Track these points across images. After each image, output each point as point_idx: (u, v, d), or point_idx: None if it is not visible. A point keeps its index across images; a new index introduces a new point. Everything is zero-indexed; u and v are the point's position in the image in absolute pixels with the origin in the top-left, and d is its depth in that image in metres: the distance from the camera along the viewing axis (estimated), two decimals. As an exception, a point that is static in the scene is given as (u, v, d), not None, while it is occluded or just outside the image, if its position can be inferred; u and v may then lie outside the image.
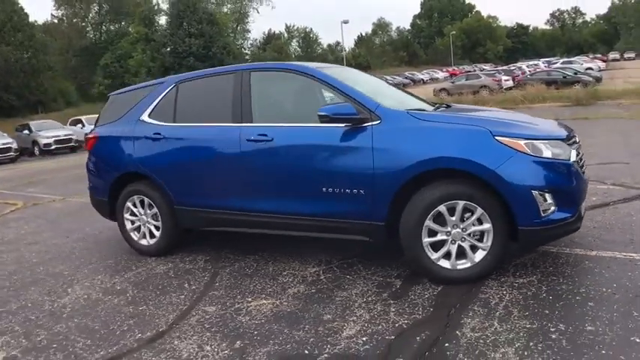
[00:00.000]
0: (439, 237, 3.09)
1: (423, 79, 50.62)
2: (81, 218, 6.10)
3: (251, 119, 3.66)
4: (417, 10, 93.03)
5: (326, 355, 2.43)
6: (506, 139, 2.94)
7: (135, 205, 4.26)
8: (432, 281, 3.15)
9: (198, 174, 3.85)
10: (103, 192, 4.43)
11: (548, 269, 3.18)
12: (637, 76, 23.38)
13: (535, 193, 2.86)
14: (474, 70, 38.09)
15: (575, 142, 3.26)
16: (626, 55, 62.13)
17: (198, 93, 4.08)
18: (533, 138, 2.98)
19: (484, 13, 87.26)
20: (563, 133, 3.22)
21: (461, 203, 3.00)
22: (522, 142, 2.93)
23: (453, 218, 3.04)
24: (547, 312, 2.63)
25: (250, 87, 3.72)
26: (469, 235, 3.05)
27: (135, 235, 4.33)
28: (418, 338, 2.51)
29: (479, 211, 2.99)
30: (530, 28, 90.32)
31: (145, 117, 4.20)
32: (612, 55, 62.41)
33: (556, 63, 36.59)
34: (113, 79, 45.25)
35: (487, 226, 3.00)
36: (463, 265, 3.08)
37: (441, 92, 26.45)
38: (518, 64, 39.54)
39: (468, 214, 3.03)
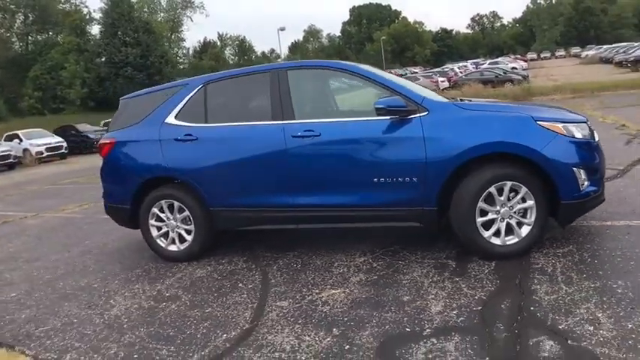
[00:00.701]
0: (490, 216, 3.35)
1: (360, 82, 51.80)
2: (71, 232, 5.75)
3: (293, 116, 3.71)
4: (346, 17, 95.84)
5: (429, 330, 2.58)
6: (547, 123, 3.27)
7: (162, 210, 4.13)
8: (483, 258, 3.40)
9: (240, 173, 3.83)
10: (124, 198, 4.24)
11: (579, 240, 3.55)
12: (557, 74, 25.88)
13: (575, 169, 3.22)
14: (413, 73, 39.84)
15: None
16: (542, 55, 68.48)
17: (229, 93, 4.05)
18: (566, 121, 3.34)
19: (410, 19, 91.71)
20: (583, 117, 3.62)
21: (508, 184, 3.29)
22: (560, 125, 3.28)
23: (502, 198, 3.32)
24: (600, 273, 2.97)
25: (289, 85, 3.77)
26: (515, 212, 3.34)
27: (162, 242, 4.20)
28: (503, 306, 2.74)
29: (523, 189, 3.29)
30: (454, 32, 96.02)
31: (170, 119, 4.09)
32: (530, 55, 68.22)
33: (484, 64, 39.34)
34: (44, 91, 42.01)
35: (530, 202, 3.31)
36: (511, 240, 3.36)
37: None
38: (449, 66, 41.96)
39: (512, 194, 3.32)
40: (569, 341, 2.32)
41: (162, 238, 4.21)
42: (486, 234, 3.35)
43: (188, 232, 4.11)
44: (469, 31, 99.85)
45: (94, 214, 6.71)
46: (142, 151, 4.15)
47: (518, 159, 3.26)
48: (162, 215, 4.15)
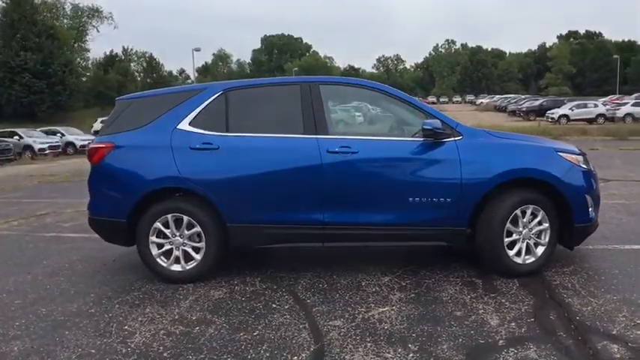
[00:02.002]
0: (514, 237, 3.62)
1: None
2: (15, 253, 4.88)
3: (327, 131, 3.68)
4: (257, 44, 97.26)
5: (502, 342, 2.68)
6: (565, 154, 3.70)
7: (166, 226, 3.73)
8: (504, 276, 3.64)
9: (266, 187, 3.64)
10: (120, 211, 3.74)
11: (575, 261, 3.98)
12: (461, 117, 28.82)
13: (586, 196, 3.65)
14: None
15: None
16: (440, 99, 76.40)
17: (254, 102, 3.88)
18: (577, 154, 3.80)
19: (321, 54, 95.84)
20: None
21: (530, 207, 3.62)
22: (575, 156, 3.72)
23: (525, 220, 3.62)
24: (614, 288, 3.38)
25: (322, 99, 3.75)
26: (533, 234, 3.66)
27: (162, 261, 3.77)
28: (552, 317, 2.96)
29: (541, 213, 3.64)
30: (360, 70, 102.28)
31: (184, 126, 3.78)
32: (430, 98, 75.34)
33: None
34: None
35: (546, 225, 3.66)
36: (529, 259, 3.67)
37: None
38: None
39: (531, 217, 3.65)
40: (629, 344, 2.59)
41: (162, 257, 3.78)
42: (511, 253, 3.61)
43: (196, 250, 3.76)
44: (374, 70, 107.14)
45: (30, 232, 5.78)
46: (148, 159, 3.75)
47: (541, 185, 3.61)
48: (166, 231, 3.74)
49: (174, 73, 71.52)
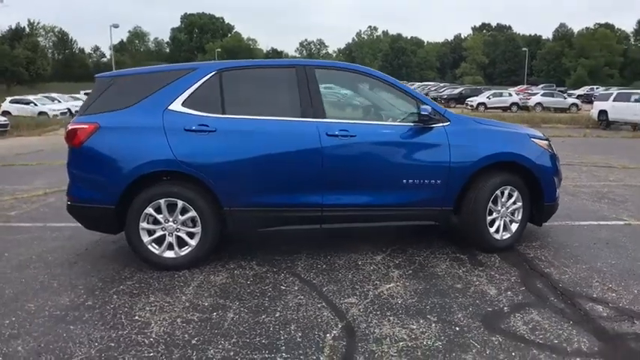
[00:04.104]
0: (494, 215, 3.96)
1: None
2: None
3: (324, 115, 3.72)
4: (176, 23, 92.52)
5: (507, 308, 2.98)
6: (537, 140, 4.09)
7: (159, 211, 3.57)
8: (485, 251, 3.98)
9: (266, 170, 3.61)
10: (108, 197, 3.51)
11: (539, 237, 4.44)
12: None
13: (554, 178, 4.09)
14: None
15: None
16: None
17: (249, 84, 3.79)
18: (544, 139, 4.21)
19: (244, 35, 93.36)
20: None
21: (508, 188, 3.97)
22: (544, 142, 4.13)
23: (503, 200, 3.97)
24: (579, 258, 3.85)
25: (317, 83, 3.77)
26: (509, 212, 4.03)
27: (154, 248, 3.61)
28: (539, 286, 3.32)
29: (516, 193, 4.01)
30: (283, 53, 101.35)
31: (176, 106, 3.60)
32: None
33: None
34: None
35: (519, 204, 4.05)
36: (506, 236, 4.04)
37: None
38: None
39: (507, 197, 4.01)
40: (610, 304, 3.01)
41: (153, 244, 3.62)
42: (492, 230, 3.95)
43: (190, 235, 3.64)
44: (297, 54, 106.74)
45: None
46: (139, 141, 3.52)
47: (518, 168, 3.97)
48: (158, 217, 3.58)
49: (89, 50, 65.73)
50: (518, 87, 44.42)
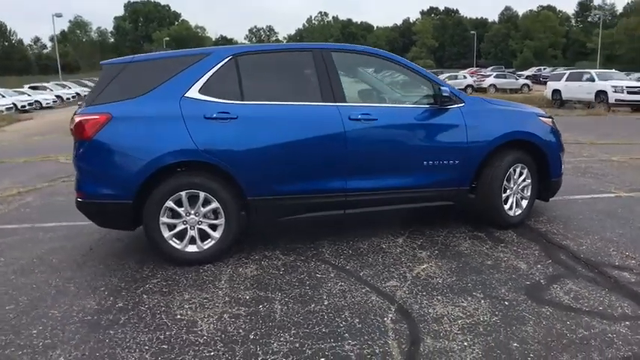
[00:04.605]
0: (507, 192, 4.08)
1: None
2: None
3: (344, 99, 3.66)
4: (120, 11, 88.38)
5: (543, 280, 3.09)
6: (543, 118, 4.22)
7: (179, 204, 3.40)
8: (499, 228, 4.10)
9: (290, 157, 3.51)
10: (125, 192, 3.29)
11: (544, 212, 4.63)
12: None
13: (560, 154, 4.25)
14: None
15: None
16: None
17: (266, 69, 3.66)
18: (548, 117, 4.36)
19: (192, 23, 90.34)
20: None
21: (519, 165, 4.09)
22: (549, 119, 4.27)
23: (516, 177, 4.09)
24: (589, 229, 4.04)
25: (335, 66, 3.69)
26: (520, 189, 4.16)
27: (175, 243, 3.44)
28: (563, 257, 3.46)
29: (526, 171, 4.15)
30: (233, 41, 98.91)
31: (193, 93, 3.41)
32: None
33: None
34: None
35: (529, 181, 4.19)
36: (517, 212, 4.17)
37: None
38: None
39: (519, 174, 4.13)
40: (634, 270, 3.19)
41: (174, 239, 3.45)
42: (506, 207, 4.07)
43: (213, 227, 3.50)
44: (247, 41, 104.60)
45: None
46: (157, 131, 3.31)
47: (528, 145, 4.09)
48: (179, 210, 3.41)
49: (28, 42, 61.05)
50: (469, 69, 45.82)
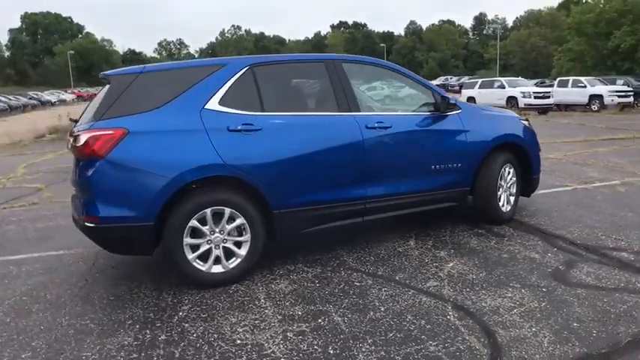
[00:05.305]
0: (500, 191, 4.40)
1: (50, 101, 44.97)
2: None
3: (358, 108, 3.72)
4: (16, 24, 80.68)
5: (561, 266, 3.39)
6: (523, 121, 4.63)
7: (203, 223, 3.20)
8: (492, 223, 4.40)
9: (313, 167, 3.47)
10: (146, 213, 3.01)
11: (525, 206, 5.03)
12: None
13: (539, 153, 4.69)
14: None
15: None
16: None
17: (284, 80, 3.60)
18: (525, 120, 4.79)
19: (98, 36, 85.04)
20: None
21: (508, 165, 4.44)
22: (527, 122, 4.70)
23: (505, 176, 4.43)
24: (572, 218, 4.48)
25: (347, 77, 3.74)
26: (508, 186, 4.51)
27: (199, 265, 3.23)
28: (564, 245, 3.82)
29: (512, 170, 4.52)
30: (142, 54, 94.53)
31: (213, 105, 3.25)
32: None
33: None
34: None
35: (514, 179, 4.57)
36: (508, 208, 4.51)
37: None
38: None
39: (507, 173, 4.48)
40: (629, 250, 3.61)
41: (198, 260, 3.23)
42: (500, 204, 4.38)
43: (237, 245, 3.34)
44: (156, 55, 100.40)
45: None
46: (179, 146, 3.09)
47: (514, 146, 4.45)
48: (203, 228, 3.20)
49: None
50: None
